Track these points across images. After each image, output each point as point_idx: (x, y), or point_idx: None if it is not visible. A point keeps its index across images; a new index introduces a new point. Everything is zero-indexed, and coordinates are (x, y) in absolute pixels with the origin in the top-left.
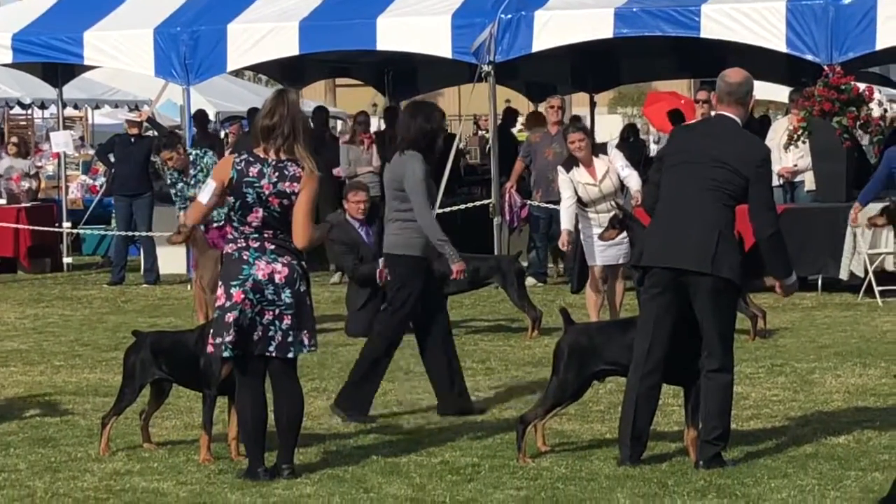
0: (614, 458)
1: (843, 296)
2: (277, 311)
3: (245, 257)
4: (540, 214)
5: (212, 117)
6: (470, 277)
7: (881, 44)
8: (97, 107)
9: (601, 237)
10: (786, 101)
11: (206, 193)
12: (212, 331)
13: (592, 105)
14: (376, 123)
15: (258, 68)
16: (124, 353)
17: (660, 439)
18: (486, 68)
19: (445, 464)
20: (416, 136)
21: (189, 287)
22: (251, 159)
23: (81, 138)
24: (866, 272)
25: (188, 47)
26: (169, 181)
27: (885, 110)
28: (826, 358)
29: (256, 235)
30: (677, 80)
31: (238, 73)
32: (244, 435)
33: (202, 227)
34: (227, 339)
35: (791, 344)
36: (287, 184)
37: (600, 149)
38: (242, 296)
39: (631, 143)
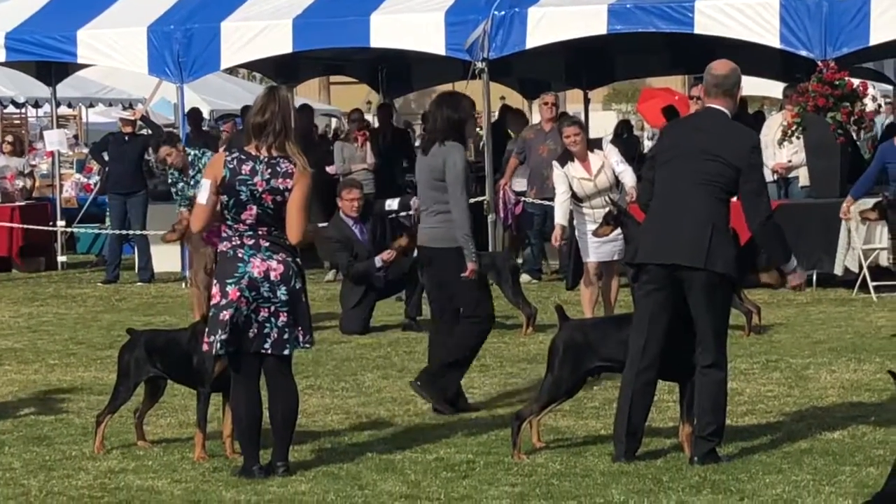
0: (609, 454)
1: (838, 291)
2: (273, 309)
3: (240, 255)
4: (534, 211)
5: (206, 115)
6: None
7: (875, 39)
8: (91, 105)
9: (595, 234)
10: (780, 96)
11: (203, 194)
12: (207, 329)
13: (586, 101)
14: (371, 122)
15: (252, 66)
16: (119, 352)
17: (654, 435)
18: (479, 65)
19: (440, 460)
20: (443, 126)
21: (184, 285)
22: (243, 157)
23: (75, 137)
24: (861, 267)
25: (182, 45)
26: (170, 181)
27: (880, 105)
28: (821, 353)
29: (251, 233)
30: (671, 76)
31: (232, 71)
32: (239, 432)
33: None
34: (223, 336)
35: (785, 339)
36: (280, 180)
37: (595, 145)
38: (238, 293)
39: (625, 139)
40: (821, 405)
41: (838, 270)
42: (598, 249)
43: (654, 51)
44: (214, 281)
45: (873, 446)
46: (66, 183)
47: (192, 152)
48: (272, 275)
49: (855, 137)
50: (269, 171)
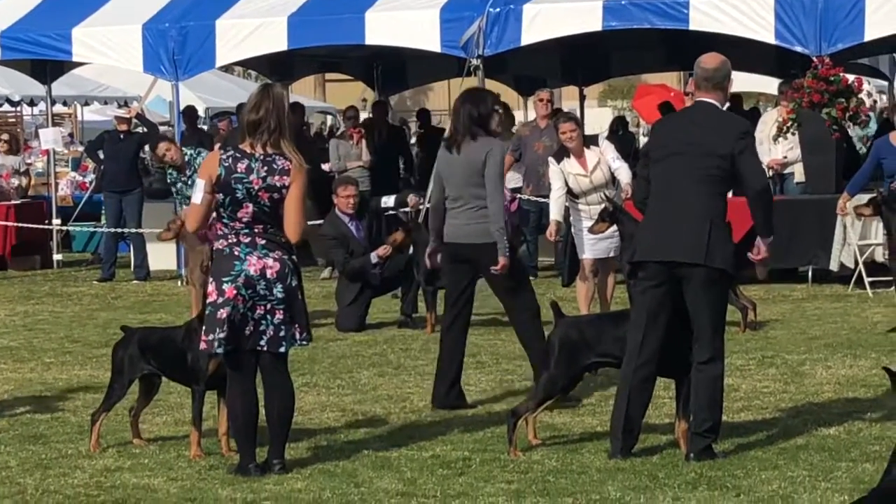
0: (605, 450)
1: (834, 287)
2: (269, 306)
3: (236, 253)
4: (530, 208)
5: (201, 113)
6: None
7: (870, 35)
8: (86, 103)
9: (591, 230)
10: (775, 92)
11: (197, 193)
12: (204, 327)
13: (582, 98)
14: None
15: (247, 64)
16: (112, 349)
17: (651, 432)
18: (475, 62)
19: (436, 458)
20: (466, 122)
21: (179, 283)
22: (238, 155)
23: (71, 135)
24: (856, 263)
25: (177, 43)
26: (169, 180)
27: (875, 101)
28: (816, 349)
29: (247, 231)
30: (667, 72)
31: (227, 69)
32: (235, 430)
33: None
34: (220, 335)
35: (781, 335)
36: (277, 178)
37: (591, 141)
38: (234, 292)
39: (620, 136)
40: (817, 401)
41: (834, 266)
42: (594, 246)
43: (650, 47)
44: (210, 279)
45: (869, 442)
46: (61, 181)
47: (188, 151)
48: (268, 272)
49: (850, 133)
50: (266, 168)
